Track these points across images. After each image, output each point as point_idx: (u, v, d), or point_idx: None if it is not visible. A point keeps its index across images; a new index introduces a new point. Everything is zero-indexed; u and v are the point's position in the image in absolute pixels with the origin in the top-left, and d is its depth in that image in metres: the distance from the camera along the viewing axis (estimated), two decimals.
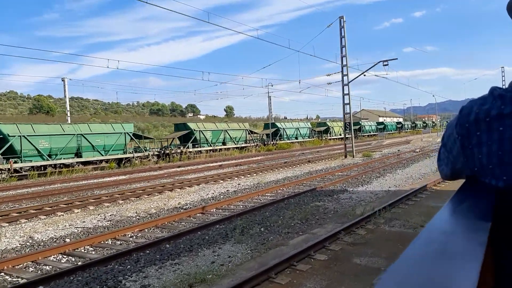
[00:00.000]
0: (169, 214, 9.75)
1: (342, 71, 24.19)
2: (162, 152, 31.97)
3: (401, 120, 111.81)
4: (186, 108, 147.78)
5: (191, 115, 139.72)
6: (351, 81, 24.01)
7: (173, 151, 32.48)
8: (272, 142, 46.08)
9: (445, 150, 0.88)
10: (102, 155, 27.28)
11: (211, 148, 36.20)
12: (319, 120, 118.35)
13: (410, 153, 26.82)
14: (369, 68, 23.47)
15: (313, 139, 54.85)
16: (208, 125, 36.89)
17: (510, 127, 0.71)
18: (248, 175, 18.34)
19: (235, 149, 39.10)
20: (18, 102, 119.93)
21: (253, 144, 42.15)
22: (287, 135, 49.07)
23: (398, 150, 30.32)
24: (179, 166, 27.40)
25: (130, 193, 13.72)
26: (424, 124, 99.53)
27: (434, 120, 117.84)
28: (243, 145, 40.50)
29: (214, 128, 37.01)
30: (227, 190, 13.53)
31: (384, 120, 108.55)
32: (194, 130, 34.63)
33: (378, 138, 48.96)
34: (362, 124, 70.54)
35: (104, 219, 9.80)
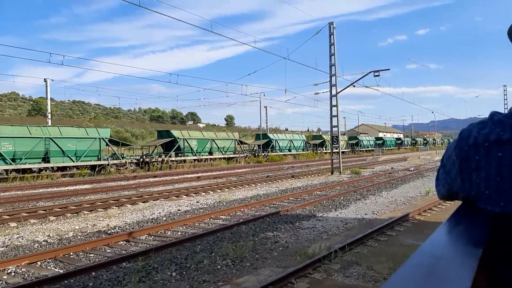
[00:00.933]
0: (81, 242, 7.85)
1: (330, 81, 22.43)
2: (141, 160, 30.16)
3: (401, 136, 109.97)
4: (186, 116, 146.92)
5: (191, 123, 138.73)
6: (340, 92, 22.23)
7: (153, 160, 30.67)
8: (263, 154, 44.26)
9: (443, 171, 0.87)
10: (73, 161, 25.47)
11: (196, 157, 34.36)
12: (320, 133, 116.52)
13: (403, 172, 24.91)
14: (359, 79, 21.77)
15: (307, 152, 52.99)
16: (193, 133, 35.10)
17: (509, 154, 0.71)
18: (219, 190, 16.47)
19: (222, 160, 37.27)
20: (18, 103, 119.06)
21: (242, 155, 40.32)
22: (279, 146, 47.21)
23: (392, 168, 28.40)
24: (155, 176, 25.56)
25: (74, 207, 11.88)
26: (425, 141, 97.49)
27: (435, 138, 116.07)
28: (231, 156, 38.66)
29: (200, 137, 35.21)
30: (179, 210, 11.63)
31: (384, 135, 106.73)
32: (178, 138, 32.84)
33: (375, 154, 46.99)
34: (360, 139, 68.71)
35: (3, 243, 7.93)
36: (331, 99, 22.44)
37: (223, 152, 37.86)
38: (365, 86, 22.66)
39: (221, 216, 10.67)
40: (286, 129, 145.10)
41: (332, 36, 21.70)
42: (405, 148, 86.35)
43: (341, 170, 22.23)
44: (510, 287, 0.70)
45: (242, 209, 11.69)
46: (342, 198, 13.98)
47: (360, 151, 66.33)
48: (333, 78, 22.28)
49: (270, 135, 46.84)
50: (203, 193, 15.45)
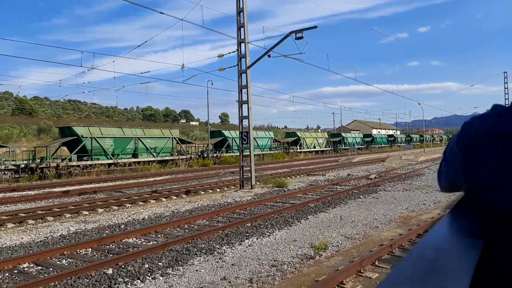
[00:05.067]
0: None
1: (238, 50, 14.97)
2: (25, 166, 22.96)
3: (397, 132, 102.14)
4: (179, 114, 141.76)
5: (184, 121, 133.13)
6: (252, 65, 14.79)
7: (42, 165, 23.42)
8: (216, 155, 36.86)
9: (445, 164, 0.87)
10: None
11: (110, 161, 27.03)
12: (320, 130, 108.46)
13: (355, 182, 17.46)
14: (277, 44, 14.27)
15: (276, 151, 45.49)
16: (107, 130, 27.71)
17: (509, 146, 0.71)
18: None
19: (153, 164, 29.93)
20: (8, 103, 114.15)
21: (183, 157, 32.94)
22: (238, 146, 39.73)
23: (348, 175, 20.89)
24: (13, 190, 18.37)
25: None
26: (421, 138, 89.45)
27: (432, 134, 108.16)
28: (167, 158, 31.30)
29: (119, 135, 27.84)
30: None
31: (378, 132, 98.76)
32: (83, 136, 25.51)
33: (350, 153, 39.38)
34: (344, 136, 61.04)
35: None
36: (239, 77, 15.01)
37: (155, 154, 30.51)
38: (284, 56, 15.20)
39: None
40: (285, 127, 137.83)
41: None
42: (398, 146, 78.46)
43: (253, 183, 14.75)
44: (510, 278, 0.69)
45: None
46: (166, 256, 6.58)
47: (345, 149, 58.61)
48: (243, 46, 14.84)
49: (226, 132, 39.36)
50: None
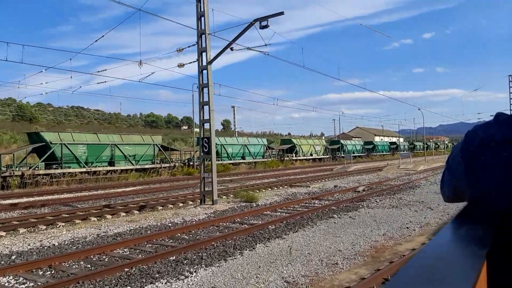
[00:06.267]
0: None
1: (198, 43, 13.01)
2: None
3: (400, 140, 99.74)
4: (181, 121, 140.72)
5: (185, 128, 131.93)
6: (214, 59, 12.81)
7: (15, 173, 21.57)
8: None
9: (449, 173, 0.86)
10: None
11: (84, 170, 25.11)
12: (323, 137, 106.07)
13: (339, 196, 15.36)
14: (240, 34, 12.26)
15: (270, 159, 43.38)
16: (80, 136, 25.79)
17: None
18: None
19: (132, 172, 27.96)
20: (10, 109, 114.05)
21: (166, 165, 30.97)
22: (227, 153, 37.76)
23: (334, 187, 18.77)
24: None
25: None
26: (426, 146, 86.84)
27: (436, 142, 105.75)
28: (147, 166, 29.33)
29: (93, 141, 25.93)
30: None
31: (381, 139, 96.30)
32: (51, 143, 23.62)
33: (345, 162, 37.21)
34: (343, 143, 58.80)
35: None
36: (200, 73, 13.02)
37: (135, 162, 28.55)
38: (248, 48, 13.18)
39: None
40: (289, 134, 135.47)
41: None
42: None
43: (215, 198, 12.66)
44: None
45: None
46: None
47: (344, 157, 56.37)
48: (203, 38, 12.88)
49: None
50: None
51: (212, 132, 12.79)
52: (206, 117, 12.98)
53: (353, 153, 61.24)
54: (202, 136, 13.10)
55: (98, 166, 26.12)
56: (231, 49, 12.58)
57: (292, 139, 50.42)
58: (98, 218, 11.35)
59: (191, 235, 8.93)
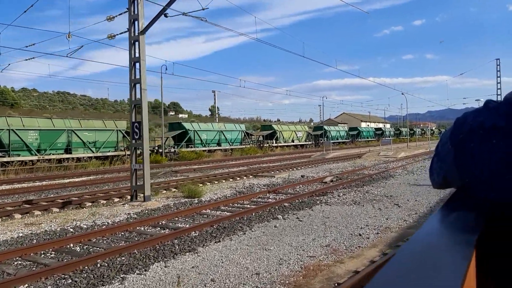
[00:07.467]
0: None
1: (130, 10, 10.89)
2: None
3: (386, 125, 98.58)
4: (168, 106, 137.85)
5: (172, 114, 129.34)
6: (146, 29, 10.73)
7: None
8: (174, 150, 32.84)
9: (438, 159, 0.86)
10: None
11: (35, 158, 22.93)
12: (312, 123, 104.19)
13: (301, 188, 13.55)
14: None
15: (248, 146, 41.47)
16: (31, 121, 23.50)
17: (503, 140, 0.71)
18: None
19: (92, 160, 25.81)
20: None
21: (129, 152, 28.80)
22: (201, 140, 35.69)
23: (301, 177, 16.97)
24: None
25: None
26: (411, 132, 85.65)
27: (423, 128, 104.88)
28: (109, 154, 27.19)
29: (46, 127, 23.67)
30: None
31: (368, 125, 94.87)
32: None
33: (324, 148, 35.48)
34: (327, 129, 57.10)
35: None
36: (131, 46, 10.94)
37: (94, 150, 26.39)
38: (184, 14, 11.05)
39: None
40: (278, 120, 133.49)
41: None
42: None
43: (147, 194, 10.72)
44: (502, 274, 0.70)
45: None
46: None
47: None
48: (136, 3, 10.76)
49: (186, 125, 35.24)
50: None
51: (144, 115, 10.77)
52: (138, 97, 10.92)
53: (337, 139, 59.67)
54: (134, 120, 11.05)
55: (52, 154, 23.94)
56: (165, 15, 10.48)
57: (273, 125, 48.57)
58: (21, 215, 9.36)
59: (86, 246, 7.00)
